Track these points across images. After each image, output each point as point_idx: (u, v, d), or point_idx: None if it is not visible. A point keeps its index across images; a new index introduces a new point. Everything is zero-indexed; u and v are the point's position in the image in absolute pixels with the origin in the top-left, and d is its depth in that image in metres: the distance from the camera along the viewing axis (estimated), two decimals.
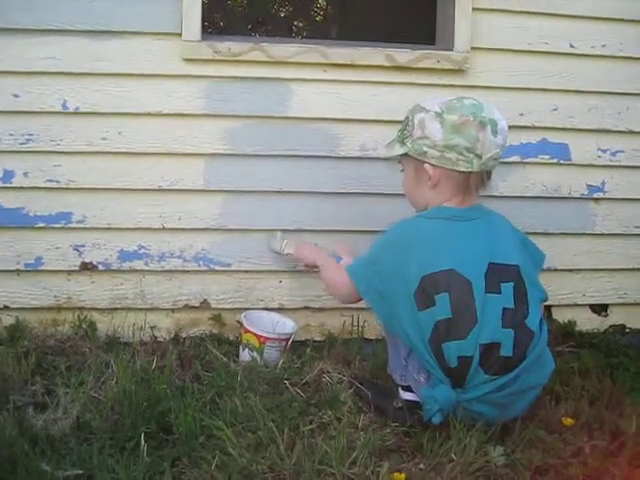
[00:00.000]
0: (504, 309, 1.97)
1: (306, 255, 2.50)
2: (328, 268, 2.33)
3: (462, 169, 2.06)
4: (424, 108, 2.10)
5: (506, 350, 1.94)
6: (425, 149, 2.08)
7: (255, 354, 2.38)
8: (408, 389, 2.09)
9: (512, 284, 2.00)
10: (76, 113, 2.50)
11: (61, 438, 1.91)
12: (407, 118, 2.15)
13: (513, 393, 1.96)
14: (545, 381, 2.07)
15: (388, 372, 2.21)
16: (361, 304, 2.25)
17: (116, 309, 2.60)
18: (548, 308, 2.81)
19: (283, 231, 2.62)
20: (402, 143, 2.14)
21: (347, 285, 2.16)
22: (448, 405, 1.92)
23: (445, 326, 1.94)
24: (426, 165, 2.09)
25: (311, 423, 2.03)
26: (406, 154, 2.13)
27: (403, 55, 2.62)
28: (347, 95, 2.63)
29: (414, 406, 2.03)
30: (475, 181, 2.09)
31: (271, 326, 2.49)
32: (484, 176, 2.10)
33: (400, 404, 2.09)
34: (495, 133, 2.04)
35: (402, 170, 2.22)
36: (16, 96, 2.47)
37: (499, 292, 1.98)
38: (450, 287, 1.96)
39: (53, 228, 2.54)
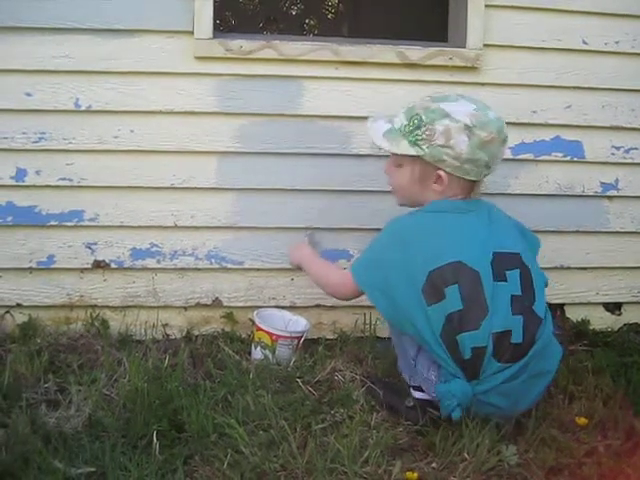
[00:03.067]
0: (512, 296, 1.97)
1: (292, 257, 2.49)
2: (323, 269, 2.35)
3: (472, 178, 2.09)
4: (449, 115, 2.05)
5: (516, 337, 1.94)
6: (445, 158, 2.05)
7: (267, 352, 2.37)
8: (418, 389, 2.08)
9: (517, 271, 2.01)
10: (88, 111, 2.51)
11: (73, 436, 1.91)
12: (420, 118, 2.08)
13: (525, 381, 1.95)
14: (555, 368, 2.06)
15: (398, 371, 2.20)
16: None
17: (128, 307, 2.61)
18: (561, 306, 2.80)
19: (293, 229, 2.63)
20: (414, 144, 2.08)
21: (348, 286, 2.15)
22: (466, 399, 1.91)
23: (457, 318, 1.93)
24: (441, 172, 2.07)
25: (323, 421, 2.03)
26: (417, 156, 2.09)
27: (415, 52, 2.61)
28: (359, 92, 2.62)
29: (426, 405, 2.02)
30: (478, 186, 2.14)
31: (283, 324, 2.48)
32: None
33: (412, 403, 2.08)
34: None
35: (398, 166, 2.17)
36: (29, 95, 2.47)
37: (505, 280, 1.99)
38: (459, 279, 1.95)
39: (65, 226, 2.55)
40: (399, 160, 2.16)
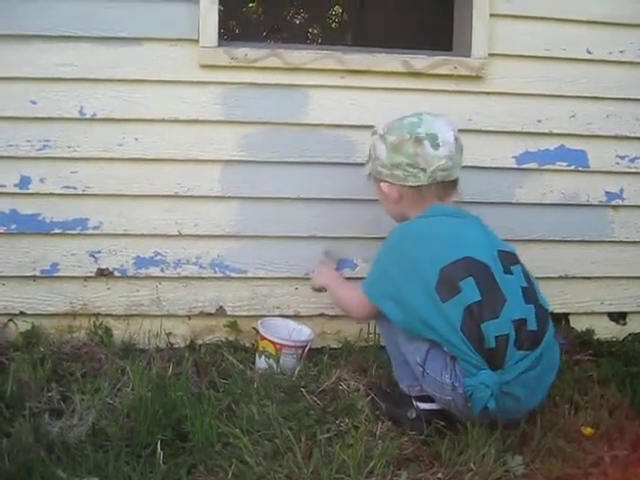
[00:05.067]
0: (522, 287, 2.04)
1: (317, 280, 2.51)
2: (346, 293, 2.35)
3: (412, 184, 2.15)
4: (375, 130, 2.24)
5: (531, 324, 1.99)
6: (379, 169, 2.21)
7: (271, 361, 2.37)
8: (424, 399, 2.08)
9: (519, 266, 2.10)
10: (93, 119, 2.50)
11: (77, 445, 1.91)
12: None
13: (540, 371, 1.98)
14: (559, 363, 2.09)
15: (395, 381, 2.20)
16: None
17: (132, 315, 2.60)
18: (566, 316, 2.80)
19: (297, 238, 2.63)
20: (367, 163, 2.29)
21: (366, 306, 2.17)
22: (496, 388, 1.91)
23: (477, 308, 1.95)
24: (382, 184, 2.21)
25: (328, 431, 2.02)
26: (370, 174, 2.27)
27: (420, 61, 2.61)
28: (363, 101, 2.62)
29: (434, 415, 2.02)
30: (431, 192, 2.16)
31: (287, 333, 2.47)
32: (448, 186, 2.18)
33: (414, 415, 2.09)
34: (436, 146, 2.12)
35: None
36: (33, 102, 2.47)
37: (512, 273, 2.05)
38: (472, 272, 1.99)
39: (69, 234, 2.54)
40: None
